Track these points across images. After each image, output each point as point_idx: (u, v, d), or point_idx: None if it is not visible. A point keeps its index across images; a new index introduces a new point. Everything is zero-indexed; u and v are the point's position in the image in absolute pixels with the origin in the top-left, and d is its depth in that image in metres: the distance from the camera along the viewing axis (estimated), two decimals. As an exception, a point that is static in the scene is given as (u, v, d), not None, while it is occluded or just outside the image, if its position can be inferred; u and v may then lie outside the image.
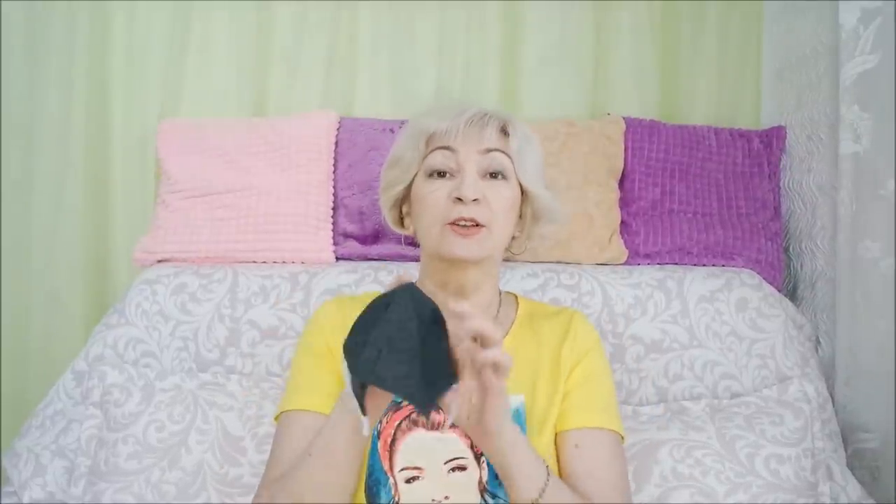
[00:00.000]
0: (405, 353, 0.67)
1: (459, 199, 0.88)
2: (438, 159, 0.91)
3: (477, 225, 0.89)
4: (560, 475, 0.90)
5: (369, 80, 1.59)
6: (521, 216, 0.97)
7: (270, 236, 1.40)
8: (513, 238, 0.98)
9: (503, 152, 0.92)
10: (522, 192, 0.95)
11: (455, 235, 0.89)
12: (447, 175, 0.91)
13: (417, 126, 0.93)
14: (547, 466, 0.79)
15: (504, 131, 0.93)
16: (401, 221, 1.01)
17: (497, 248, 0.94)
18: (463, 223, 0.88)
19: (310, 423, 0.89)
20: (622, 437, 0.93)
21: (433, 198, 0.90)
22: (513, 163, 0.92)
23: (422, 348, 0.68)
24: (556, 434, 0.92)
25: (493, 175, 0.91)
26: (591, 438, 0.90)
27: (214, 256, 1.40)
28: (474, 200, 0.88)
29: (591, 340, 0.98)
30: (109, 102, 1.56)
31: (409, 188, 0.96)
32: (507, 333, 0.98)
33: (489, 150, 0.91)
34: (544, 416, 0.91)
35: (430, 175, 0.92)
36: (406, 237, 1.42)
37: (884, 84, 1.24)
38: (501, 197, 0.91)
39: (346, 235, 1.46)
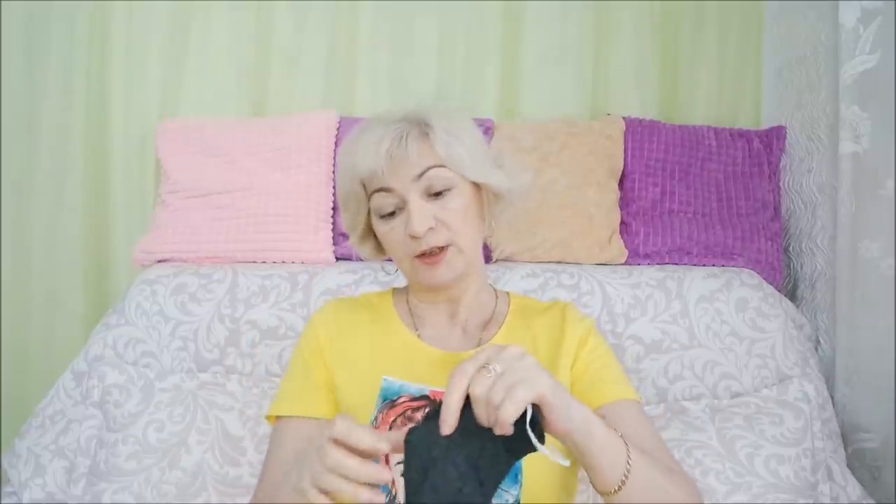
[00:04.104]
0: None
1: (412, 236, 0.87)
2: (380, 202, 0.90)
3: (442, 248, 0.89)
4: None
5: (369, 80, 1.59)
6: (480, 200, 0.94)
7: (270, 236, 1.40)
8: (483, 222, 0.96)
9: (436, 165, 0.88)
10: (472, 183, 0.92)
11: (425, 267, 0.89)
12: (396, 212, 0.90)
13: (347, 167, 0.92)
14: (626, 444, 0.74)
15: (426, 137, 0.89)
16: (378, 247, 1.01)
17: (471, 253, 0.93)
18: (428, 251, 0.88)
19: (303, 430, 0.90)
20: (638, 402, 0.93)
21: (392, 237, 0.91)
22: (450, 167, 0.89)
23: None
24: None
25: (438, 193, 0.89)
26: (615, 410, 0.89)
27: (214, 256, 1.40)
28: (429, 229, 0.87)
29: (586, 325, 0.98)
30: (109, 102, 1.56)
31: (368, 223, 0.96)
32: (501, 325, 0.98)
33: (421, 173, 0.88)
34: None
35: (381, 217, 0.91)
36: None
37: (884, 84, 1.24)
38: (453, 210, 0.89)
39: (346, 235, 1.45)
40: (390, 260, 0.99)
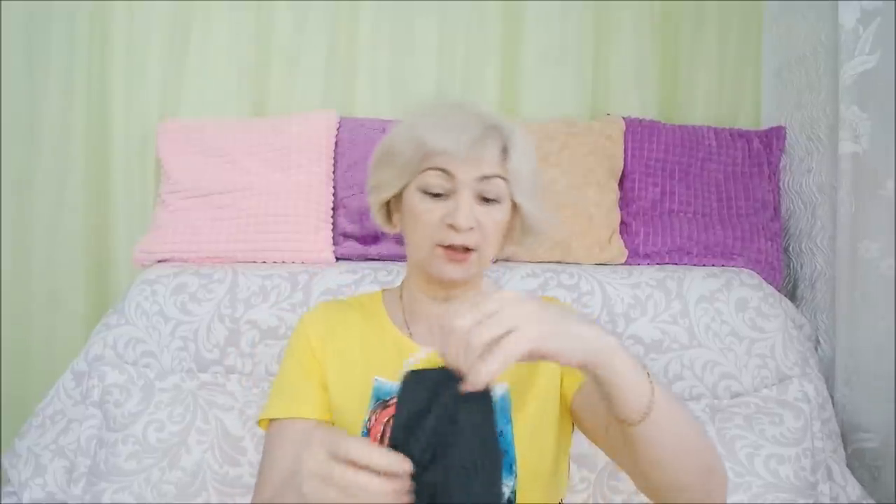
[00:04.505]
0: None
1: (453, 226, 0.87)
2: (434, 181, 0.89)
3: (467, 249, 0.89)
4: (593, 426, 0.87)
5: (369, 80, 1.59)
6: (509, 226, 0.96)
7: (270, 236, 1.41)
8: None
9: (500, 176, 0.90)
10: (514, 206, 0.94)
11: (446, 260, 0.89)
12: (441, 196, 0.89)
13: (416, 134, 0.89)
14: (647, 371, 0.69)
15: (504, 149, 0.90)
16: (388, 218, 1.00)
17: (485, 265, 0.94)
18: (456, 246, 0.88)
19: (302, 431, 0.89)
20: None
21: (426, 218, 0.89)
22: (509, 184, 0.90)
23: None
24: (573, 397, 0.91)
25: (487, 200, 0.90)
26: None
27: (214, 256, 1.40)
28: (468, 229, 0.88)
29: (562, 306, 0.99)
30: (110, 102, 1.56)
31: (399, 192, 0.94)
32: None
33: (486, 177, 0.89)
34: (541, 398, 0.91)
35: (425, 193, 0.90)
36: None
37: (883, 84, 1.24)
38: (494, 221, 0.90)
39: (346, 235, 1.46)
40: (395, 235, 0.99)
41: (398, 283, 1.05)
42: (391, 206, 0.98)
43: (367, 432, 0.89)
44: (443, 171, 0.88)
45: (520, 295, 0.64)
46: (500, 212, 0.91)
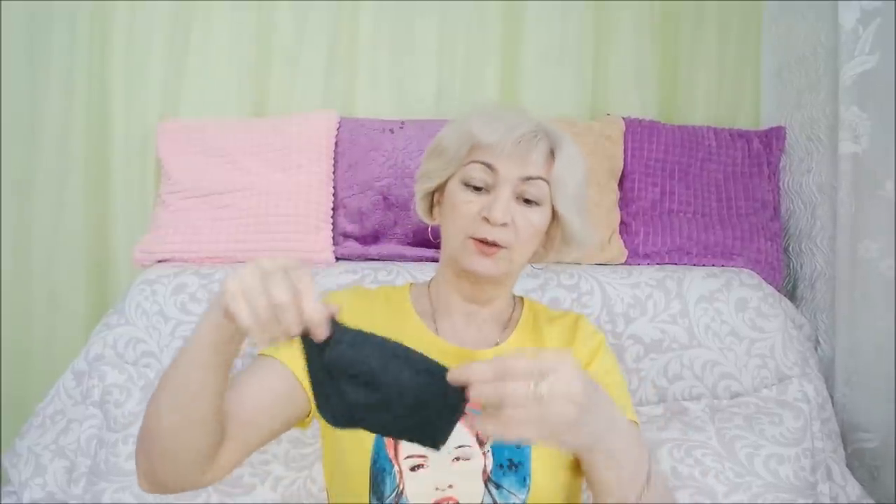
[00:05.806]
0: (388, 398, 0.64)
1: (487, 220, 0.89)
2: (477, 174, 0.90)
3: (499, 246, 0.90)
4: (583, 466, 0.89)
5: (369, 80, 1.59)
6: (549, 234, 0.97)
7: (270, 236, 1.41)
8: (536, 252, 0.98)
9: (544, 180, 0.91)
10: (556, 214, 0.94)
11: (475, 252, 0.90)
12: (482, 189, 0.91)
13: (466, 128, 0.92)
14: (649, 458, 0.72)
15: (551, 153, 0.92)
16: (430, 211, 1.02)
17: (516, 266, 0.94)
18: (488, 240, 0.89)
19: (279, 373, 0.88)
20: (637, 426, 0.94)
21: (463, 209, 0.91)
22: (551, 189, 0.92)
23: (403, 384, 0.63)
24: None
25: (527, 201, 0.91)
26: None
27: (214, 256, 1.40)
28: (502, 224, 0.89)
29: (598, 339, 0.99)
30: (110, 102, 1.56)
31: (443, 183, 0.96)
32: (514, 329, 0.99)
33: (529, 178, 0.90)
34: None
35: (466, 185, 0.92)
36: (406, 236, 1.43)
37: (883, 84, 1.24)
38: (529, 223, 0.91)
39: (346, 235, 1.46)
40: (409, 242, 0.99)
41: (399, 282, 1.05)
42: (435, 199, 1.00)
43: None
44: (486, 165, 0.90)
45: (580, 392, 0.63)
46: (538, 214, 0.92)
